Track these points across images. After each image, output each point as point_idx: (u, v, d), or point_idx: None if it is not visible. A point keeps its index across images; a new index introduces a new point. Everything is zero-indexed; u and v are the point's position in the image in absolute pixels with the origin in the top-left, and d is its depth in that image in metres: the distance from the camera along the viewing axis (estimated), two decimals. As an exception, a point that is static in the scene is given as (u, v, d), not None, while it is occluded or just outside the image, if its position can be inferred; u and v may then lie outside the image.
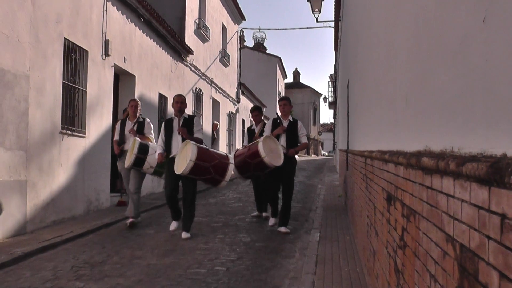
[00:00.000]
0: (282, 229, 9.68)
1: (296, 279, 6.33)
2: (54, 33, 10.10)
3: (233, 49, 30.43)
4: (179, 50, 18.99)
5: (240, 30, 34.14)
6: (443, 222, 2.17)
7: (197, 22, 21.83)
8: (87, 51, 11.53)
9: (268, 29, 46.42)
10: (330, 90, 46.05)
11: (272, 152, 9.39)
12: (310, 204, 14.20)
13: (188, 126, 9.49)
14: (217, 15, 26.02)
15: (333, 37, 25.68)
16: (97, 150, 12.00)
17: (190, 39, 20.61)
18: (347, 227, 9.83)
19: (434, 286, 2.30)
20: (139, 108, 10.59)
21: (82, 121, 11.47)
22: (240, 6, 30.17)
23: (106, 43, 12.47)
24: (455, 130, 2.14)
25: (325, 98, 57.63)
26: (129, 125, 10.50)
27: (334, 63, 33.77)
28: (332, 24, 23.47)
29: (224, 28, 27.92)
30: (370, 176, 5.79)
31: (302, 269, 6.71)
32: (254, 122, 11.87)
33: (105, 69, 12.52)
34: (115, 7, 13.18)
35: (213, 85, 24.70)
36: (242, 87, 32.78)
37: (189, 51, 19.83)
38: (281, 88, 56.06)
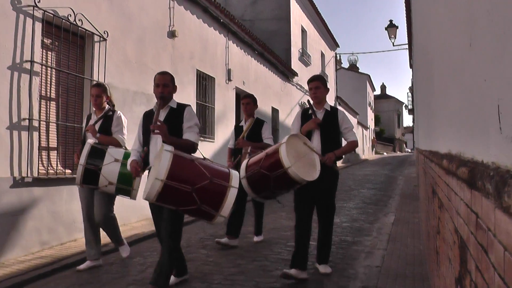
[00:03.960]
0: (322, 268, 5.18)
1: (370, 254, 6.08)
2: (189, 66, 10.42)
3: (330, 70, 30.01)
4: (287, 74, 19.03)
5: (338, 55, 33.70)
6: (453, 215, 2.00)
7: (300, 51, 21.76)
8: (214, 78, 11.80)
9: (358, 53, 45.69)
10: (409, 99, 44.16)
11: (301, 159, 4.72)
12: (390, 192, 13.65)
13: (176, 121, 4.38)
14: (316, 44, 25.79)
15: (408, 57, 24.85)
16: (222, 151, 12.14)
17: (295, 65, 20.56)
18: (417, 212, 9.34)
19: (450, 267, 2.12)
20: (103, 98, 5.46)
21: (211, 130, 11.75)
22: (335, 36, 29.82)
23: (229, 71, 12.70)
24: (460, 138, 1.97)
25: (405, 106, 55.52)
26: (93, 121, 5.44)
27: (411, 77, 32.57)
28: (407, 46, 22.72)
29: (322, 54, 27.62)
30: (426, 171, 5.52)
31: (376, 246, 6.47)
32: (244, 115, 6.71)
33: (228, 91, 12.76)
34: (234, 44, 13.41)
35: (314, 99, 24.52)
36: (339, 100, 32.25)
37: (294, 74, 19.82)
38: (370, 99, 54.59)
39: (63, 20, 6.61)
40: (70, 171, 6.86)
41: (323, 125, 5.05)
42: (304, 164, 4.72)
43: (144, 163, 4.41)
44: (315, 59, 25.28)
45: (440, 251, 2.88)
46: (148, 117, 4.49)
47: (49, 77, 6.59)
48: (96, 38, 7.28)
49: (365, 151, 46.49)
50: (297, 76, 20.37)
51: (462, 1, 1.77)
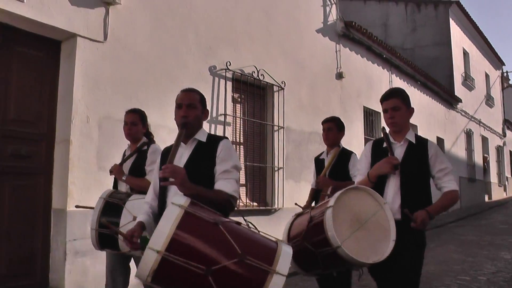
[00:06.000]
0: None
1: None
2: (356, 104, 10.62)
3: (496, 92, 27.66)
4: (450, 101, 18.12)
5: (505, 72, 30.96)
6: None
7: (463, 76, 20.55)
8: (379, 113, 11.76)
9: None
10: None
11: (362, 228, 2.86)
12: None
13: (205, 163, 2.63)
14: (479, 66, 24.08)
15: None
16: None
17: (459, 90, 19.43)
18: None
19: None
20: (140, 126, 3.95)
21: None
22: (499, 54, 27.49)
23: (393, 105, 12.58)
24: None
25: None
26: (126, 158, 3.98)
27: None
28: None
29: (486, 75, 25.65)
30: None
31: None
32: (326, 145, 4.67)
33: (393, 123, 12.62)
34: (398, 77, 13.26)
35: (481, 124, 22.82)
36: (507, 123, 29.47)
37: (458, 100, 18.78)
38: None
39: (248, 77, 7.41)
40: (256, 203, 7.67)
41: (404, 166, 3.08)
42: (367, 235, 2.88)
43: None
44: (479, 82, 23.59)
45: None
46: (165, 157, 2.65)
47: (237, 125, 7.44)
48: (275, 88, 7.98)
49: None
50: (461, 102, 19.24)
51: None
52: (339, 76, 9.88)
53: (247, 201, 7.52)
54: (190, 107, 2.70)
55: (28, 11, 4.66)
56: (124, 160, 3.91)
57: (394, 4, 20.34)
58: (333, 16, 9.97)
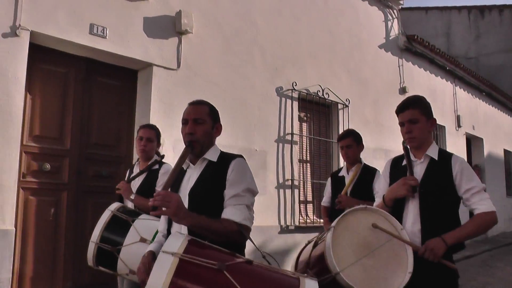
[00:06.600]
0: None
1: None
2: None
3: None
4: (517, 110, 17.28)
5: None
6: None
7: (531, 83, 19.53)
8: (444, 127, 11.41)
9: None
10: None
11: (372, 256, 2.39)
12: None
13: (215, 186, 2.21)
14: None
15: None
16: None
17: (526, 99, 18.50)
18: None
19: None
20: (155, 144, 3.65)
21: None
22: None
23: (458, 118, 12.13)
24: None
25: None
26: (134, 175, 3.63)
27: None
28: None
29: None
30: None
31: None
32: (344, 162, 4.16)
33: (459, 137, 12.16)
34: (461, 89, 12.77)
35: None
36: None
37: (526, 110, 17.87)
38: None
39: (314, 96, 7.42)
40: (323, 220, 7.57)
41: (424, 187, 2.57)
42: (377, 264, 2.43)
43: None
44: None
45: None
46: (176, 182, 2.35)
47: (304, 143, 7.45)
48: (339, 106, 7.92)
49: None
50: (530, 111, 18.30)
51: None
52: (402, 91, 9.66)
53: (314, 218, 7.47)
54: (197, 123, 2.29)
55: (109, 46, 4.94)
56: (132, 177, 3.56)
57: (456, 12, 19.60)
58: (395, 30, 9.80)
